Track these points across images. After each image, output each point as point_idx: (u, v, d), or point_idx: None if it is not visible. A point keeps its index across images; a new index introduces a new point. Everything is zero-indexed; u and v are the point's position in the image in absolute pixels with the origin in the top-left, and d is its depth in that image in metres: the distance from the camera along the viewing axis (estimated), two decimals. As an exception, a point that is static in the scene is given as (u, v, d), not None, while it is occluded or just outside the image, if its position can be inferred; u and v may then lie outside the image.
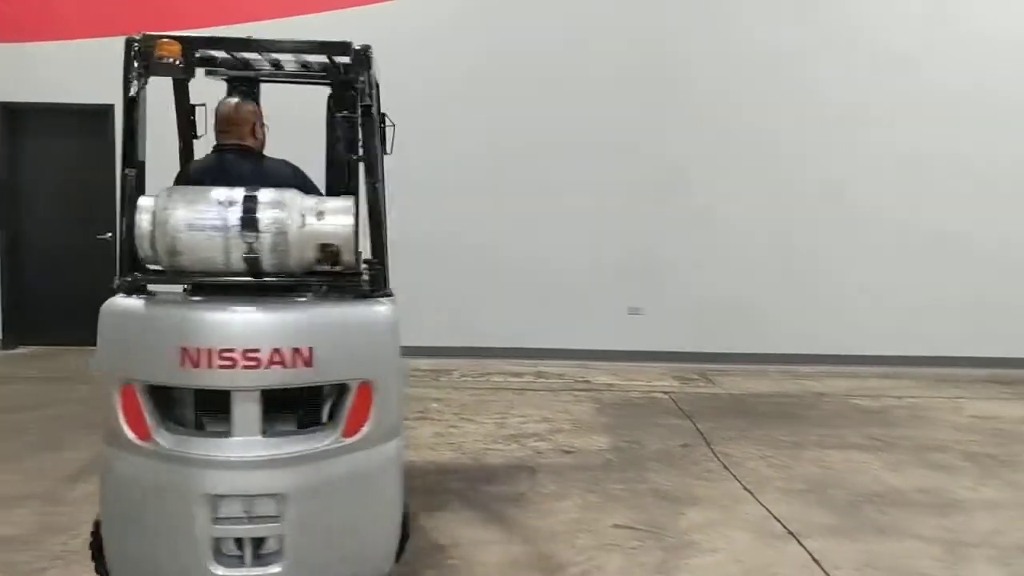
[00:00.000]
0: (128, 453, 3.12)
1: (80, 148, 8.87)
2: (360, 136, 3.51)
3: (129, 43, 3.34)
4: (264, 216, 3.11)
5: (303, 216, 3.15)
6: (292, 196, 3.19)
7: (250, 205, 3.12)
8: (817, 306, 8.66)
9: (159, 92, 3.56)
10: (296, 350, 3.08)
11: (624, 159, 8.55)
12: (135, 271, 3.22)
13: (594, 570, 3.87)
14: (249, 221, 3.10)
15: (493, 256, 8.66)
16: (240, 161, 3.74)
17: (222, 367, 3.03)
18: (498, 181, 8.60)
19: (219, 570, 3.08)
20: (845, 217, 8.65)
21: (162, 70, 3.52)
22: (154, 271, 3.25)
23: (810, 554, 4.06)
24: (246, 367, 3.04)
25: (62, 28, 8.63)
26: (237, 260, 3.13)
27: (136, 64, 3.32)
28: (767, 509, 4.64)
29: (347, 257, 3.22)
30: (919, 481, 5.17)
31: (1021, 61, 8.61)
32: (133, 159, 3.30)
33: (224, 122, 3.76)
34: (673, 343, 8.58)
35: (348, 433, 3.21)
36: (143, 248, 3.14)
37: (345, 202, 3.25)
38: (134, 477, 3.14)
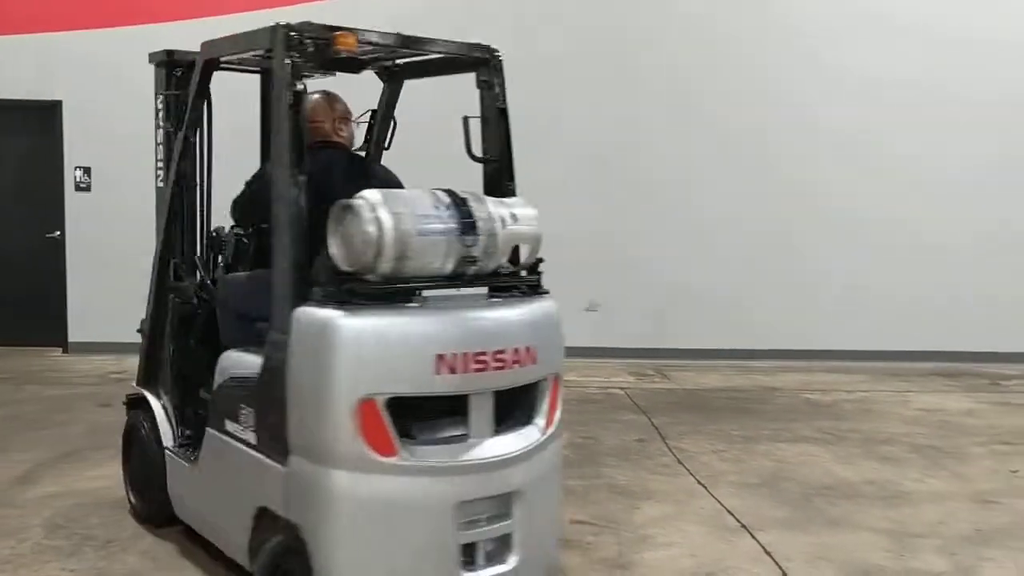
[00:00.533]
0: (369, 473, 2.93)
1: (29, 145, 8.71)
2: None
3: (284, 32, 3.13)
4: (481, 219, 3.12)
5: (502, 218, 3.19)
6: (486, 199, 3.24)
7: (466, 209, 3.11)
8: (769, 302, 8.78)
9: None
10: (528, 348, 3.17)
11: (585, 160, 8.59)
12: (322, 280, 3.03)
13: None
14: (470, 225, 3.09)
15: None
16: (357, 160, 3.84)
17: (476, 370, 3.03)
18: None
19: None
20: (797, 214, 8.78)
21: (333, 64, 3.59)
22: (357, 278, 3.00)
23: (763, 547, 4.13)
24: (496, 368, 3.07)
25: (8, 23, 8.46)
26: (452, 264, 3.09)
27: (294, 54, 3.12)
28: (720, 503, 4.71)
29: (533, 257, 3.36)
30: (868, 473, 5.27)
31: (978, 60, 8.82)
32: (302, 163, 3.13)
33: (341, 119, 3.78)
34: (630, 339, 8.65)
35: (548, 425, 3.32)
36: (366, 255, 2.94)
37: (526, 203, 3.32)
38: (378, 496, 2.95)
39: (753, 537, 4.24)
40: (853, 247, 8.85)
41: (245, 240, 4.08)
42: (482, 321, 3.17)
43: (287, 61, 3.12)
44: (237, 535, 3.38)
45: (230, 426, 3.44)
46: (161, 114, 4.18)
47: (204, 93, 3.89)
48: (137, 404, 4.25)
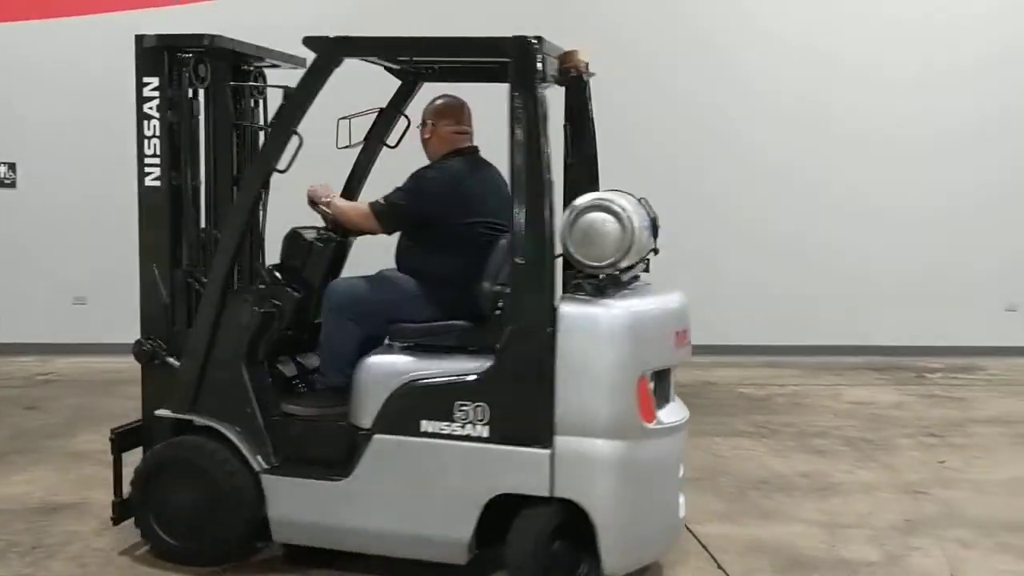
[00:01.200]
0: (640, 439, 3.41)
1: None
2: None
3: (527, 45, 3.37)
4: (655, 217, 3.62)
5: None
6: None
7: (648, 208, 3.60)
8: (706, 298, 8.86)
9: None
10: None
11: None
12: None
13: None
14: (654, 221, 3.59)
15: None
16: (487, 164, 3.95)
17: (680, 345, 3.66)
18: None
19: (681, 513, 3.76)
20: (729, 210, 8.91)
21: (561, 81, 3.78)
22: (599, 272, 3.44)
23: (698, 540, 4.18)
24: (686, 343, 3.72)
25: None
26: (636, 258, 3.50)
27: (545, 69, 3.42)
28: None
29: None
30: (801, 466, 5.38)
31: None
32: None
33: (468, 121, 3.92)
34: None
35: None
36: (617, 252, 3.39)
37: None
38: (643, 459, 3.44)
39: (690, 531, 4.29)
40: (788, 247, 9.02)
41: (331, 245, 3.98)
42: (673, 304, 3.72)
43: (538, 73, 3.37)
44: (450, 532, 3.47)
45: (431, 426, 3.47)
46: (155, 104, 3.77)
47: (316, 89, 3.63)
48: (179, 432, 3.80)
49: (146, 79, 3.78)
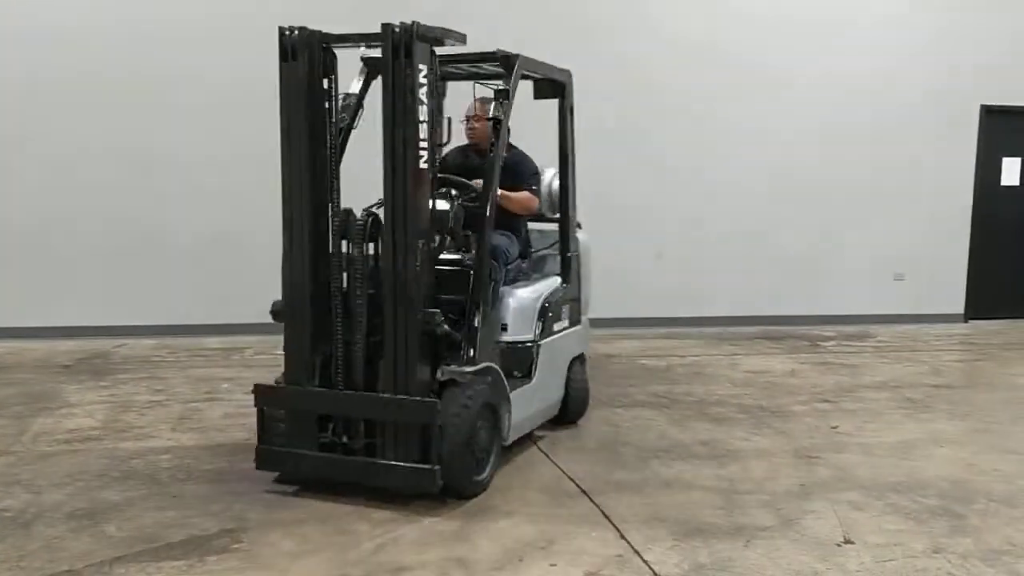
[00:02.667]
0: None
1: None
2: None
3: None
4: None
5: None
6: None
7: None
8: (605, 272, 8.93)
9: None
10: None
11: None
12: None
13: (389, 543, 3.83)
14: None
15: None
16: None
17: None
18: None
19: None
20: (628, 188, 8.96)
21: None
22: None
23: (601, 510, 4.19)
24: None
25: None
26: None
27: None
28: (561, 468, 4.76)
29: None
30: (700, 435, 5.45)
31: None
32: None
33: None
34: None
35: None
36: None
37: None
38: None
39: (592, 500, 4.30)
40: (685, 218, 9.14)
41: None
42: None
43: None
44: (558, 393, 5.45)
45: (558, 326, 5.38)
46: (424, 91, 4.09)
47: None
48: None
49: (420, 66, 4.07)
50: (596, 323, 8.85)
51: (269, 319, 7.71)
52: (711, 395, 6.46)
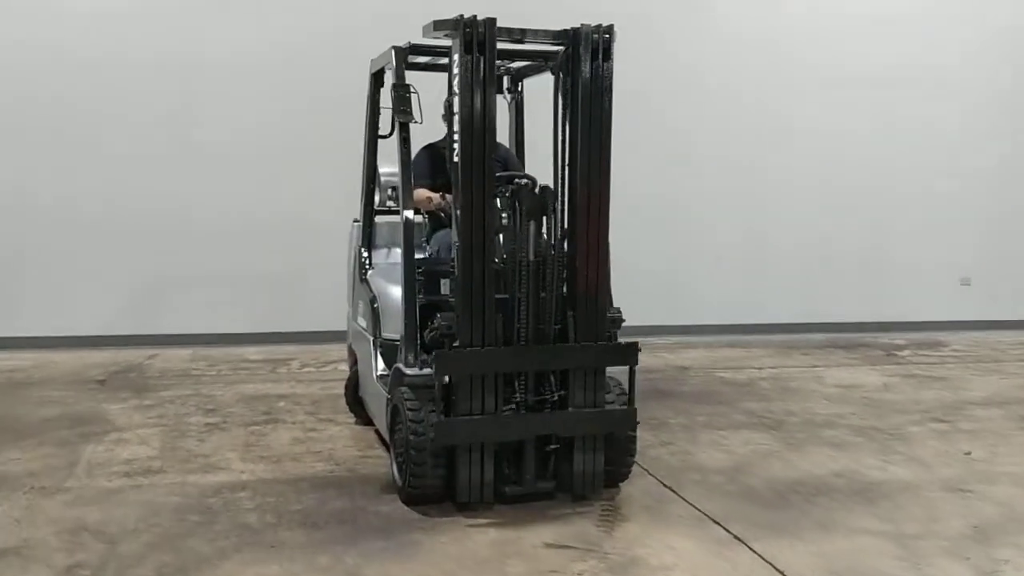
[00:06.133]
0: None
1: None
2: None
3: None
4: None
5: None
6: None
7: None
8: (663, 278, 8.44)
9: None
10: None
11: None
12: None
13: None
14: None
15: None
16: None
17: None
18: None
19: None
20: (683, 186, 8.46)
21: None
22: None
23: (768, 561, 3.64)
24: None
25: None
26: None
27: None
28: (695, 507, 4.22)
29: None
30: (827, 463, 4.93)
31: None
32: None
33: None
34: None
35: None
36: None
37: None
38: None
39: (752, 549, 3.76)
40: (744, 223, 8.66)
41: None
42: None
43: None
44: None
45: None
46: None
47: None
48: None
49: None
50: (656, 330, 8.46)
51: (310, 328, 7.66)
52: (813, 414, 5.95)
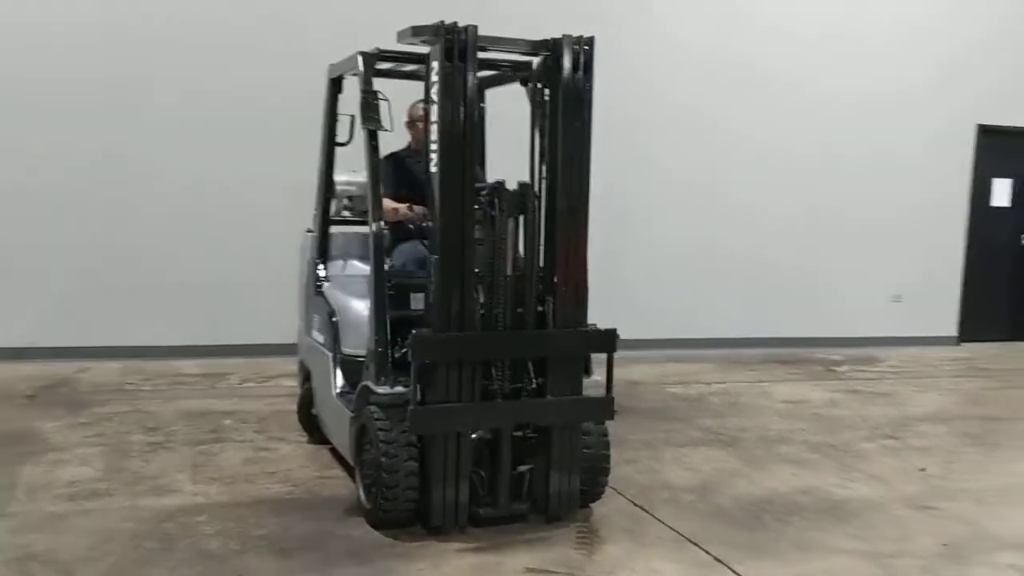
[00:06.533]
0: None
1: None
2: None
3: None
4: None
5: None
6: None
7: None
8: (607, 290, 8.39)
9: None
10: None
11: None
12: None
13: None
14: None
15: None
16: None
17: None
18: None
19: None
20: (630, 215, 8.47)
21: None
22: None
23: (751, 584, 3.62)
24: None
25: None
26: None
27: None
28: (672, 528, 4.16)
29: None
30: (791, 481, 4.94)
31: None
32: None
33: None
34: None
35: None
36: None
37: None
38: None
39: (733, 572, 3.72)
40: (686, 239, 8.70)
41: None
42: None
43: None
44: None
45: None
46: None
47: None
48: None
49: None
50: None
51: (248, 340, 7.38)
52: (767, 430, 5.97)
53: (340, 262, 5.34)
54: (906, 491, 4.85)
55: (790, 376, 7.81)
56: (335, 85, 5.11)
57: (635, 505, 4.46)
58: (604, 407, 4.19)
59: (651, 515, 4.33)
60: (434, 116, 3.86)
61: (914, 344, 9.37)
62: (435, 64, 3.82)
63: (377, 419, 3.96)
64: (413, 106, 5.00)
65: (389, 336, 4.11)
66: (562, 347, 4.09)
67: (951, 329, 9.76)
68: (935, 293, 9.64)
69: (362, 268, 5.27)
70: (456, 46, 3.79)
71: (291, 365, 7.25)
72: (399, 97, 4.64)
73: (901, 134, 9.20)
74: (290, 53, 7.37)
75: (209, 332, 7.57)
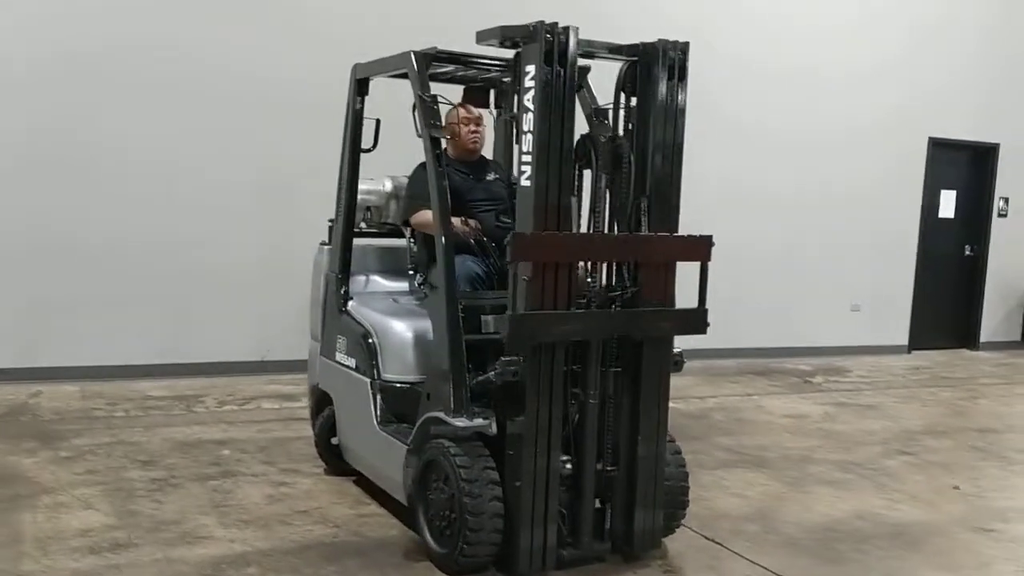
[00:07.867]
0: None
1: None
2: None
3: None
4: None
5: None
6: None
7: None
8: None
9: None
10: None
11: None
12: None
13: None
14: None
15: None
16: None
17: None
18: None
19: None
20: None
21: None
22: None
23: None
24: None
25: None
26: None
27: None
28: (755, 563, 3.95)
29: None
30: (840, 504, 4.82)
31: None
32: None
33: None
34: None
35: None
36: None
37: None
38: None
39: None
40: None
41: None
42: None
43: None
44: None
45: None
46: None
47: None
48: None
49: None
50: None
51: (219, 359, 6.90)
52: (786, 448, 5.86)
53: (362, 278, 4.94)
54: (953, 512, 4.79)
55: (773, 389, 7.76)
56: (361, 86, 4.72)
57: (705, 538, 4.23)
58: (699, 318, 4.12)
59: (727, 548, 4.12)
60: (526, 126, 3.54)
61: (870, 353, 9.54)
62: (530, 68, 3.50)
63: (455, 455, 3.62)
64: (451, 112, 4.65)
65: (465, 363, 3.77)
66: (655, 252, 3.96)
67: (903, 338, 9.96)
68: (889, 303, 9.81)
69: (386, 284, 4.91)
70: (556, 48, 3.48)
71: (264, 385, 6.87)
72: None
73: (864, 159, 9.34)
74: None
75: (171, 350, 7.01)
